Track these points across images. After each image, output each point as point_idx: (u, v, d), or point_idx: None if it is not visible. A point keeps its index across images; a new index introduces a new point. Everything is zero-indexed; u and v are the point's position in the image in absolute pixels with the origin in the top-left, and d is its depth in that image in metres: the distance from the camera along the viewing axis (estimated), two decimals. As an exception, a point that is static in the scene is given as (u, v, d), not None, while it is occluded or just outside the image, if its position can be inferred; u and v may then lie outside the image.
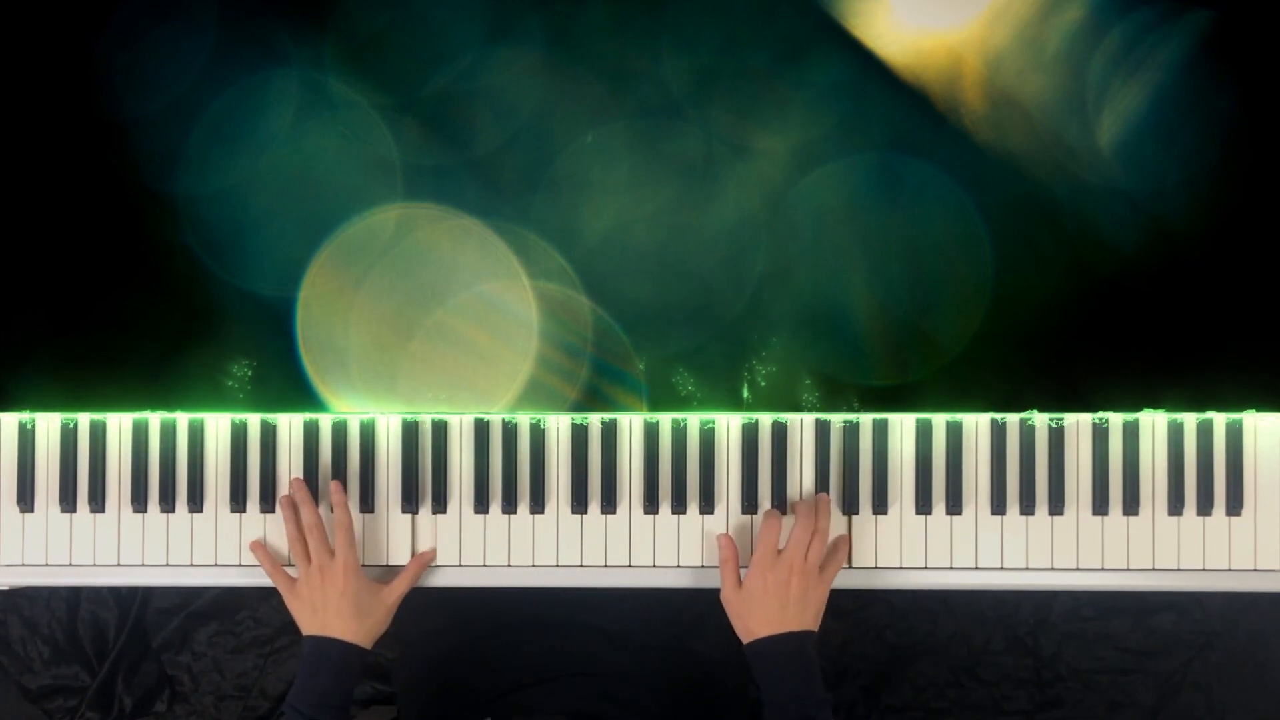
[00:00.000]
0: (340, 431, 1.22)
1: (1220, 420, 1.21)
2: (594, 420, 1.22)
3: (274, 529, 1.22)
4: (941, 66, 1.19)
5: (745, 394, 1.21)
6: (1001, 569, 1.22)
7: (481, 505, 1.21)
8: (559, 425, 1.22)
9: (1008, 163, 1.19)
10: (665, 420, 1.22)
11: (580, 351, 1.20)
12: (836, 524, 1.21)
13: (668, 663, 1.28)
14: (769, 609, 1.12)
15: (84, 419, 1.22)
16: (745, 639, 1.14)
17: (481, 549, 1.22)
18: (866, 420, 1.22)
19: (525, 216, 1.20)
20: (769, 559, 1.14)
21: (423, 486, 1.22)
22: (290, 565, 1.20)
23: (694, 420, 1.22)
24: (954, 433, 1.21)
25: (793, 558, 1.14)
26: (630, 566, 1.22)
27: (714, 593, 1.18)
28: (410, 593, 1.20)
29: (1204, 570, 1.21)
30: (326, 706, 1.12)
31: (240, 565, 1.23)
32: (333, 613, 1.14)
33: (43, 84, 1.20)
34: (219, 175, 1.20)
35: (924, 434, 1.21)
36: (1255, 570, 1.21)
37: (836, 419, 1.22)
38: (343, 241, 1.20)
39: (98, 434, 1.22)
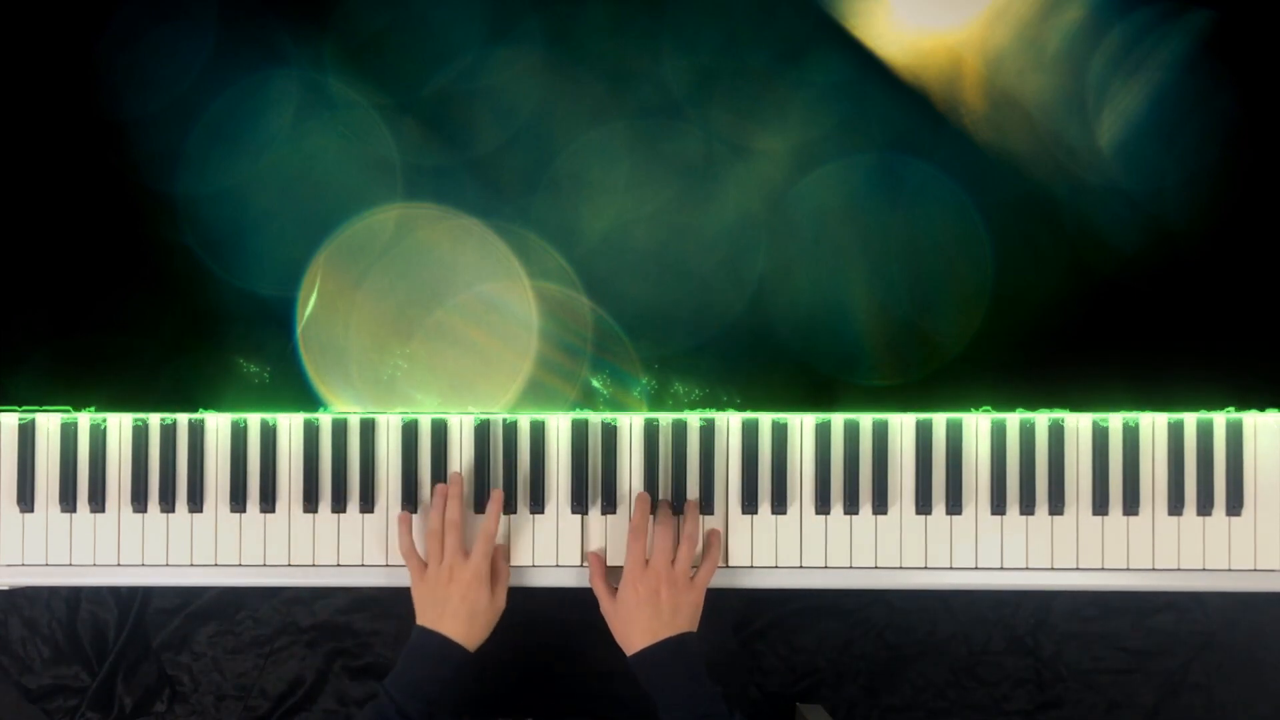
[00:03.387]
0: (340, 431, 1.22)
1: (1220, 420, 1.21)
2: (594, 420, 1.22)
3: (274, 529, 1.22)
4: (941, 66, 1.19)
5: (743, 393, 1.21)
6: (1001, 569, 1.22)
7: (481, 505, 1.21)
8: (559, 425, 1.22)
9: (1008, 163, 1.19)
10: (665, 420, 1.22)
11: (580, 351, 1.20)
12: (837, 524, 1.21)
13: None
14: (643, 619, 1.13)
15: (84, 419, 1.22)
16: (627, 651, 1.15)
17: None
18: (866, 420, 1.22)
19: (525, 216, 1.20)
20: (638, 570, 1.15)
21: (422, 486, 1.22)
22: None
23: (694, 420, 1.22)
24: (954, 433, 1.21)
25: (659, 567, 1.14)
26: (630, 566, 1.22)
27: (714, 592, 1.18)
28: (409, 592, 1.20)
29: (1204, 570, 1.21)
30: (418, 697, 1.11)
31: (240, 565, 1.23)
32: (450, 612, 1.14)
33: (43, 84, 1.20)
34: (219, 175, 1.20)
35: (924, 434, 1.21)
36: (1255, 570, 1.21)
37: (836, 419, 1.22)
38: (343, 241, 1.20)
39: (98, 434, 1.22)
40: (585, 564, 1.22)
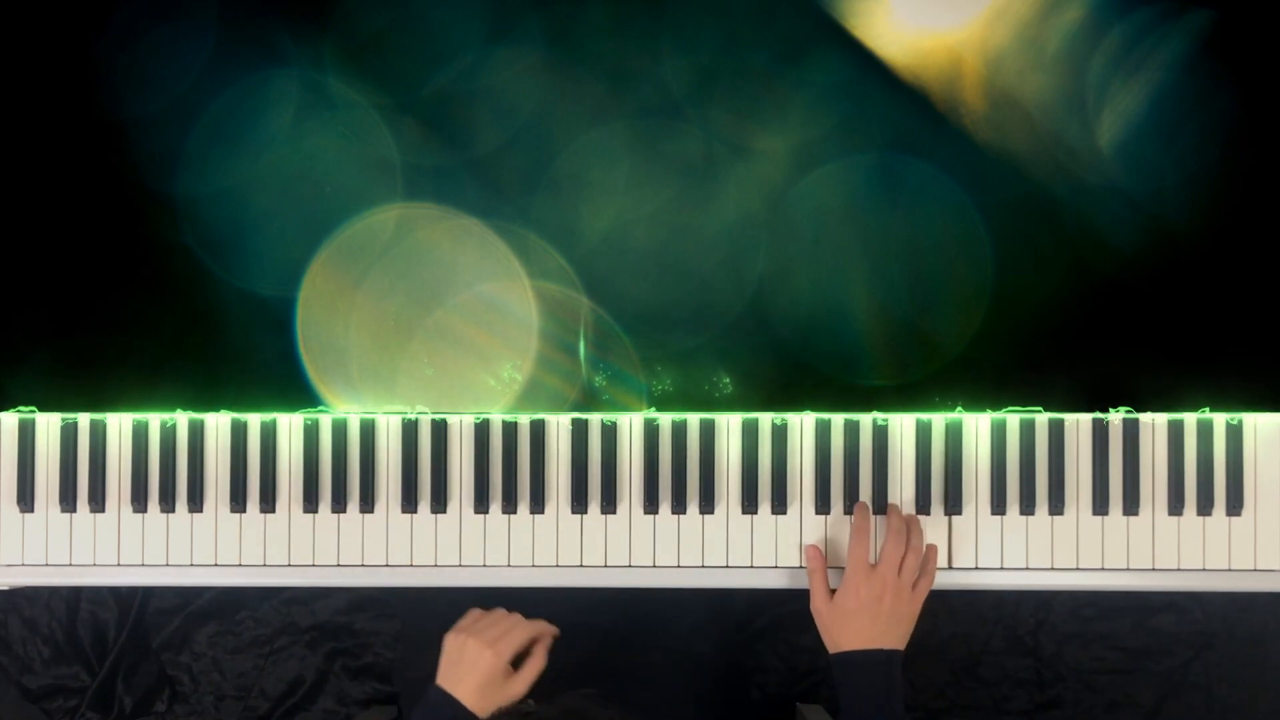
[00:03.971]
0: (340, 431, 1.22)
1: (1220, 420, 1.21)
2: (594, 420, 1.22)
3: (274, 529, 1.22)
4: (941, 66, 1.19)
5: (742, 394, 1.21)
6: (1001, 569, 1.22)
7: (481, 505, 1.21)
8: (559, 425, 1.22)
9: (1008, 163, 1.19)
10: (665, 420, 1.22)
11: (580, 351, 1.20)
12: (839, 524, 1.21)
13: (670, 663, 1.28)
14: (860, 624, 1.11)
15: (84, 419, 1.22)
16: (832, 650, 1.13)
17: (481, 549, 1.22)
18: (866, 420, 1.22)
19: (525, 216, 1.20)
20: (862, 573, 1.13)
21: (422, 486, 1.22)
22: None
23: (694, 420, 1.22)
24: (954, 433, 1.21)
25: (886, 574, 1.12)
26: (630, 567, 1.22)
27: (714, 593, 1.18)
28: (409, 591, 1.20)
29: (1204, 570, 1.21)
30: None
31: (240, 565, 1.23)
32: (462, 679, 1.11)
33: (43, 84, 1.20)
34: (219, 175, 1.20)
35: (924, 434, 1.21)
36: (1255, 570, 1.21)
37: (837, 419, 1.22)
38: (343, 241, 1.20)
39: (98, 434, 1.22)
40: (585, 564, 1.22)
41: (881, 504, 1.21)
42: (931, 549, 1.19)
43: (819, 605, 1.15)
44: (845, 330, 1.20)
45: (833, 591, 1.15)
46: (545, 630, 1.15)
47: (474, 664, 1.11)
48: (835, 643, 1.13)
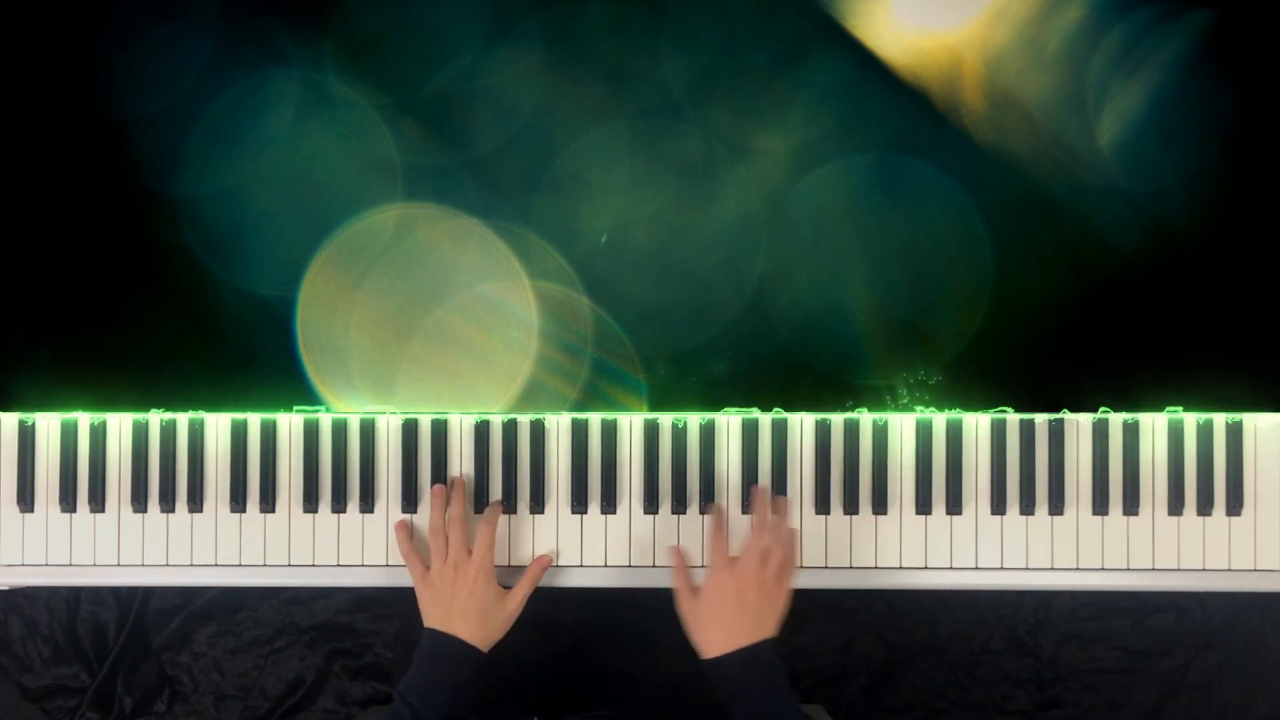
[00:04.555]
0: (340, 431, 1.22)
1: (1220, 420, 1.21)
2: (594, 420, 1.22)
3: (274, 529, 1.22)
4: (941, 66, 1.19)
5: (743, 393, 1.21)
6: (1001, 569, 1.22)
7: (482, 505, 1.21)
8: (559, 425, 1.22)
9: (1008, 163, 1.19)
10: (665, 420, 1.22)
11: (580, 351, 1.20)
12: (837, 524, 1.21)
13: (670, 663, 1.28)
14: (726, 620, 1.08)
15: (84, 419, 1.22)
16: (704, 651, 1.09)
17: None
18: (866, 420, 1.22)
19: (525, 216, 1.20)
20: (724, 569, 1.10)
21: (422, 486, 1.22)
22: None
23: (694, 420, 1.22)
24: (954, 433, 1.21)
25: (748, 567, 1.09)
26: (630, 567, 1.22)
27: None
28: (409, 592, 1.20)
29: (1204, 570, 1.21)
30: (433, 702, 1.09)
31: (240, 565, 1.23)
32: (458, 611, 1.12)
33: (43, 84, 1.20)
34: (219, 175, 1.20)
35: (924, 434, 1.21)
36: (1255, 570, 1.21)
37: (836, 419, 1.22)
38: (343, 242, 1.20)
39: (98, 434, 1.22)
40: (585, 564, 1.22)
41: (882, 504, 1.21)
42: (791, 532, 1.15)
43: (684, 605, 1.13)
44: (845, 330, 1.20)
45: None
46: (493, 515, 1.17)
47: (469, 590, 1.12)
48: (705, 642, 1.09)
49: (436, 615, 1.14)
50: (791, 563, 1.13)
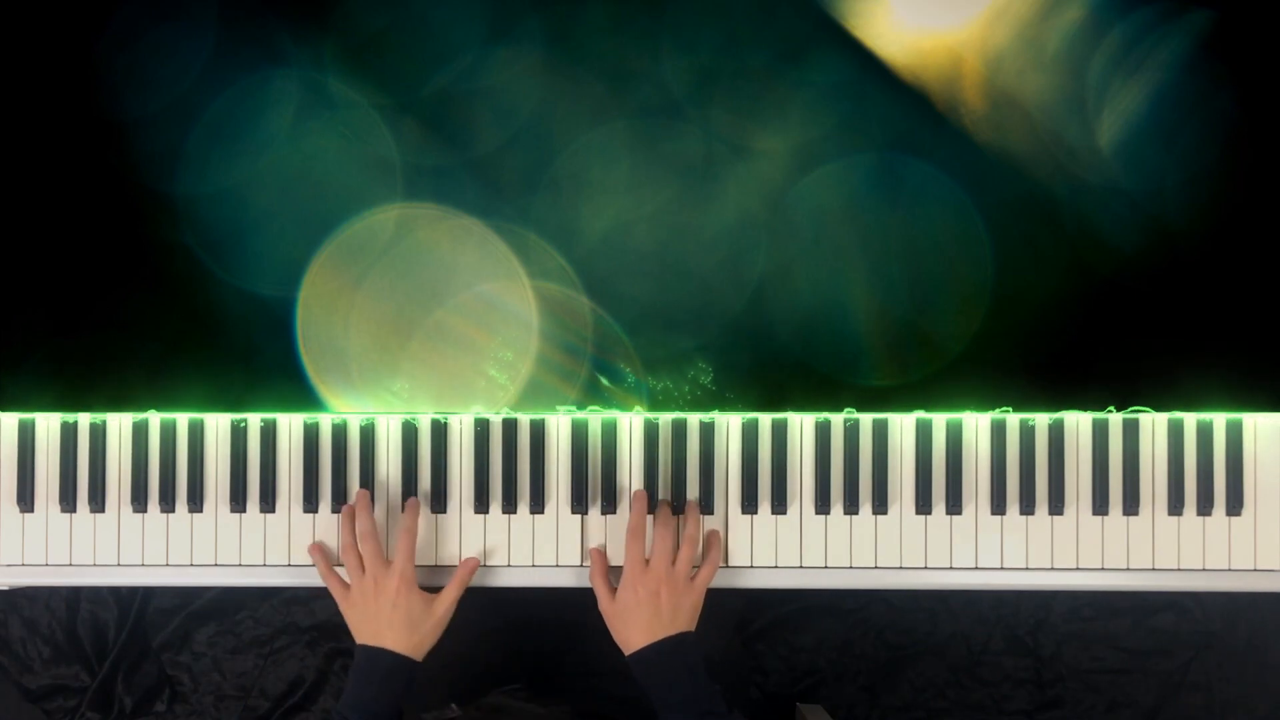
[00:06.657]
0: (340, 431, 1.22)
1: (1220, 420, 1.21)
2: (594, 420, 1.22)
3: (274, 529, 1.22)
4: (941, 66, 1.19)
5: (743, 393, 1.21)
6: (1001, 569, 1.22)
7: (481, 505, 1.21)
8: (559, 425, 1.22)
9: (1008, 163, 1.19)
10: (665, 420, 1.22)
11: (580, 351, 1.20)
12: (837, 524, 1.21)
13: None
14: (642, 620, 1.12)
15: (84, 419, 1.22)
16: (625, 648, 1.14)
17: (481, 549, 1.22)
18: (866, 420, 1.22)
19: (525, 216, 1.20)
20: (638, 571, 1.14)
21: (422, 486, 1.22)
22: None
23: (694, 420, 1.22)
24: (954, 433, 1.21)
25: (659, 569, 1.13)
26: (630, 566, 1.22)
27: (714, 592, 1.18)
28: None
29: (1204, 570, 1.21)
30: (373, 715, 1.11)
31: (240, 565, 1.23)
32: (385, 623, 1.13)
33: (43, 84, 1.20)
34: (219, 175, 1.20)
35: (924, 434, 1.21)
36: (1255, 570, 1.21)
37: (836, 419, 1.22)
38: (343, 241, 1.20)
39: (98, 434, 1.22)
40: (586, 564, 1.22)
41: (882, 504, 1.21)
42: (713, 536, 1.19)
43: (604, 606, 1.16)
44: (845, 330, 1.20)
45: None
46: (410, 520, 1.17)
47: (391, 602, 1.13)
48: (624, 641, 1.14)
49: (365, 631, 1.14)
50: (711, 564, 1.17)
